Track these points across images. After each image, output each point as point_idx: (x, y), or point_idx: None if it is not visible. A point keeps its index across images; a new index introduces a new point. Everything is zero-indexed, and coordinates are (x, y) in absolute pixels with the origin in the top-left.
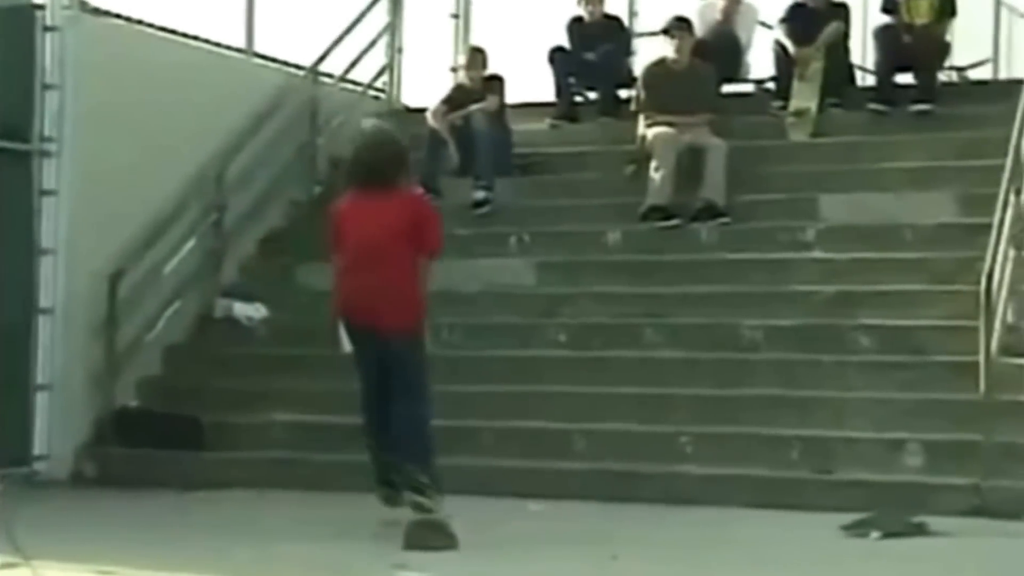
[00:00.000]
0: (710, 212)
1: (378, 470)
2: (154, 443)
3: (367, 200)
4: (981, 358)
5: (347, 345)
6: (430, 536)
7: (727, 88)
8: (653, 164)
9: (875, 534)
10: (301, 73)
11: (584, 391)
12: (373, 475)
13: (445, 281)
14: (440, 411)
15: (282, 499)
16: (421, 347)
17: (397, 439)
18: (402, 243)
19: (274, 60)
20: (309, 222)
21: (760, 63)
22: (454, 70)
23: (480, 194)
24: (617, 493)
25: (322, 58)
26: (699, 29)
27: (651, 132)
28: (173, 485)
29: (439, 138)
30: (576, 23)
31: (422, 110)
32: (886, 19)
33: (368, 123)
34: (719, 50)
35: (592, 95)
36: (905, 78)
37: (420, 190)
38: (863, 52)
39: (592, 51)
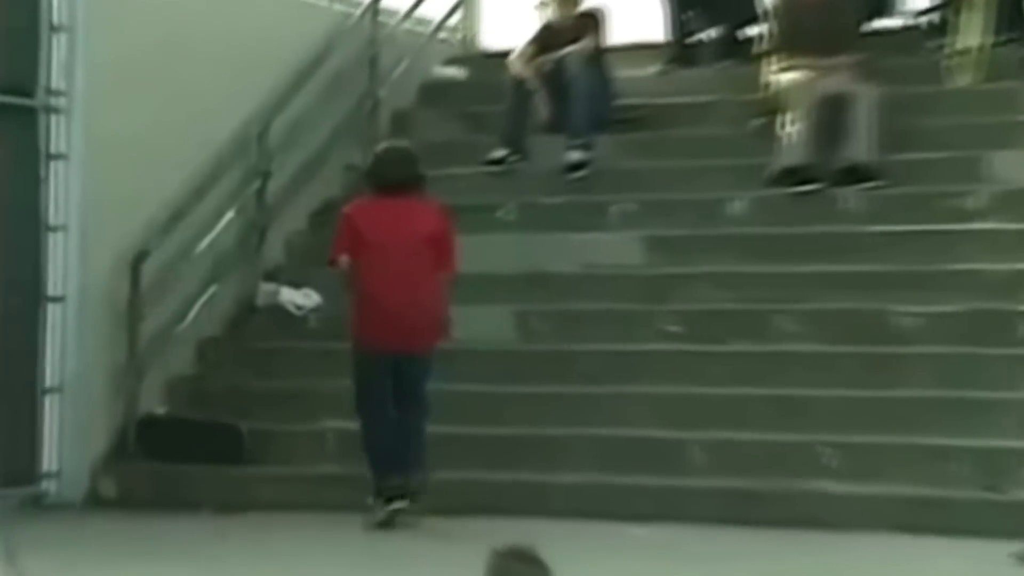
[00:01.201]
0: (855, 175)
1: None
2: (185, 456)
3: (391, 205)
4: None
5: None
6: (518, 567)
7: (874, 24)
8: (786, 117)
9: None
10: (358, 12)
11: (701, 392)
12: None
13: (533, 260)
14: (527, 417)
15: (336, 522)
16: (433, 362)
17: (407, 448)
18: (430, 253)
19: None
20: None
21: None
22: (543, 5)
23: (575, 155)
24: (741, 515)
25: None
26: None
27: (783, 78)
28: (208, 506)
29: (525, 88)
30: None
31: (504, 54)
32: None
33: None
34: None
35: (711, 34)
36: None
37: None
38: None
39: None
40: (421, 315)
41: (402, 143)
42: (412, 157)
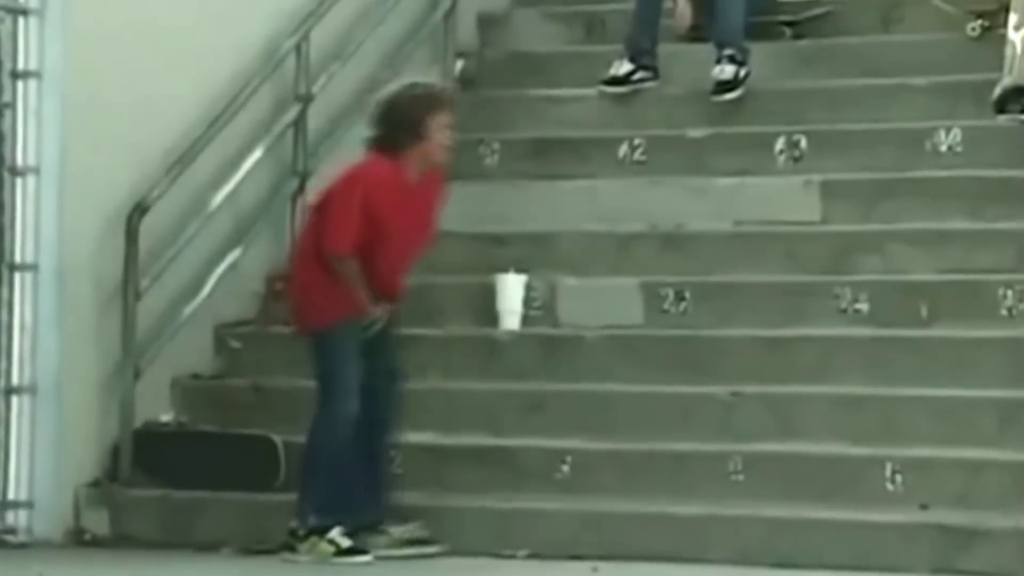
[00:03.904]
0: None
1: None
2: (200, 480)
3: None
4: None
5: None
6: None
7: None
8: (1014, 18)
9: None
10: None
11: (897, 394)
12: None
13: (667, 214)
14: (659, 427)
15: (414, 569)
16: (327, 348)
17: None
18: (311, 228)
19: None
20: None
21: None
22: None
23: (726, 70)
24: (953, 560)
25: None
26: None
27: None
28: (230, 544)
29: None
30: None
31: None
32: None
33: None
34: None
35: None
36: None
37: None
38: None
39: None
40: (294, 295)
41: (402, 88)
42: (389, 107)
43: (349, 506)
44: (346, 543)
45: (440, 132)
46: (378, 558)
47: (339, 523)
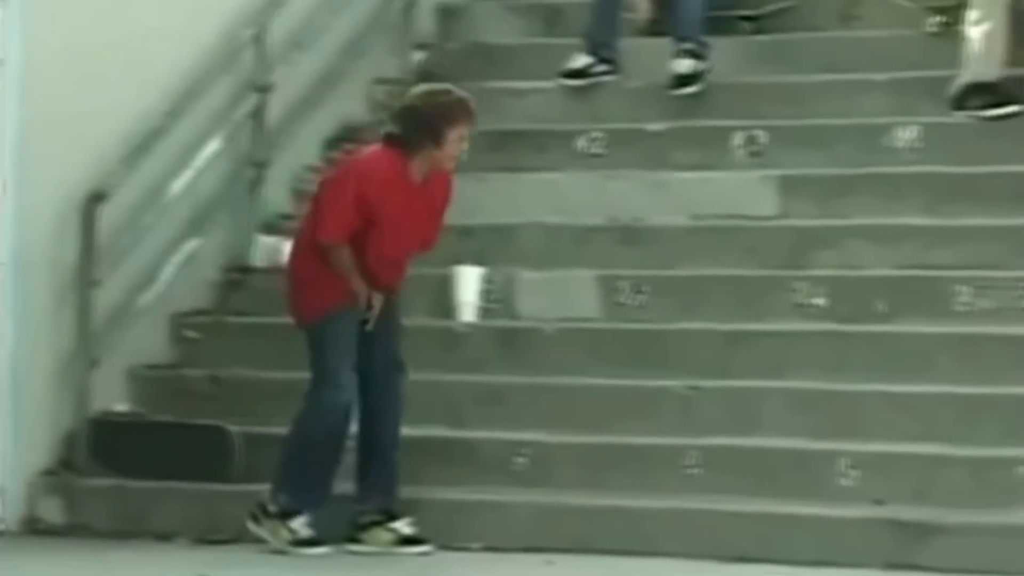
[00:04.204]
0: None
1: None
2: (155, 469)
3: None
4: None
5: None
6: None
7: None
8: (973, 15)
9: None
10: None
11: (854, 389)
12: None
13: (626, 208)
14: (618, 420)
15: (368, 564)
16: (319, 337)
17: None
18: (308, 217)
19: None
20: None
21: None
22: None
23: (685, 64)
24: (909, 556)
25: None
26: None
27: None
28: (184, 534)
29: None
30: None
31: None
32: None
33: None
34: None
35: None
36: None
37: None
38: None
39: None
40: (289, 285)
41: (429, 91)
42: (412, 107)
43: (322, 497)
44: (305, 532)
45: (455, 143)
46: (363, 554)
47: (305, 512)
